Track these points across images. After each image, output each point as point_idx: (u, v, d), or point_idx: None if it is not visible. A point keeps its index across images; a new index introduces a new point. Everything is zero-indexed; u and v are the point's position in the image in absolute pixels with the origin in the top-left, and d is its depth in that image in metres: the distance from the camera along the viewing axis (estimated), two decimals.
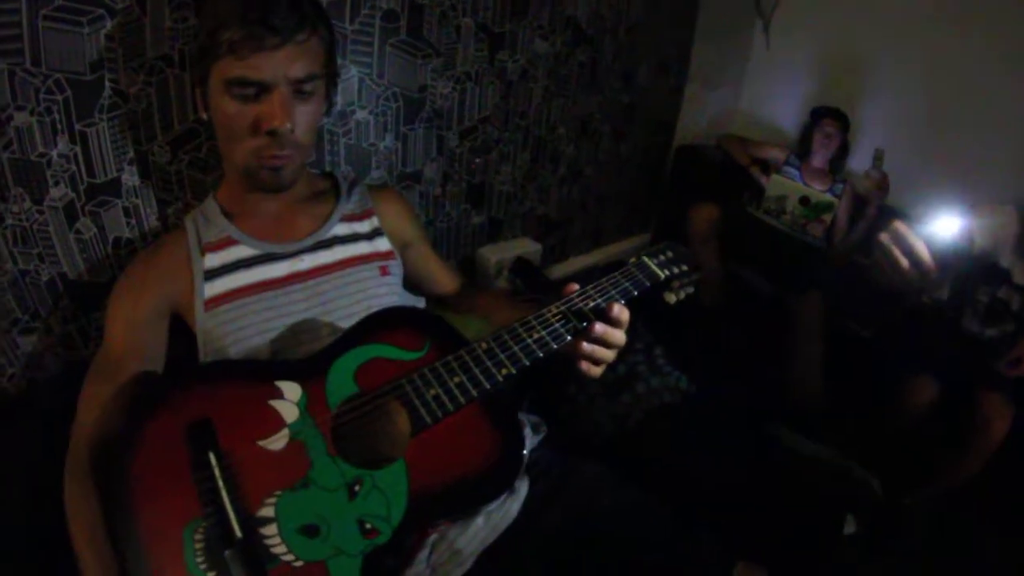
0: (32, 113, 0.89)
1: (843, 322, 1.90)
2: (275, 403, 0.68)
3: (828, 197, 1.99)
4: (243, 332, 0.82)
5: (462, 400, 0.68)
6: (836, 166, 2.11)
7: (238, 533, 0.59)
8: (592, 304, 0.75)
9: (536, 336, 0.71)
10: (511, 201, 1.82)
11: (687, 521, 0.82)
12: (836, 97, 2.14)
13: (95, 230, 1.01)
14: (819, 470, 1.41)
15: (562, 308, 0.74)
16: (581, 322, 0.73)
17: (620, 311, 0.72)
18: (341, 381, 0.71)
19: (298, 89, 0.79)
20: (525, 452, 0.73)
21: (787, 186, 2.04)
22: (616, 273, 0.80)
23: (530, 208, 1.91)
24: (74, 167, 0.96)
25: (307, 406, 0.68)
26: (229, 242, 0.88)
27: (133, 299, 0.84)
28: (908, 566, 1.41)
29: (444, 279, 1.09)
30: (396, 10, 1.29)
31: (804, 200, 2.00)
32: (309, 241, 0.91)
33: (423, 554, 0.75)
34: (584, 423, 1.33)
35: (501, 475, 0.69)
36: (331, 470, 0.65)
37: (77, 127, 0.94)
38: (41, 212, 0.95)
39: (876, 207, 1.94)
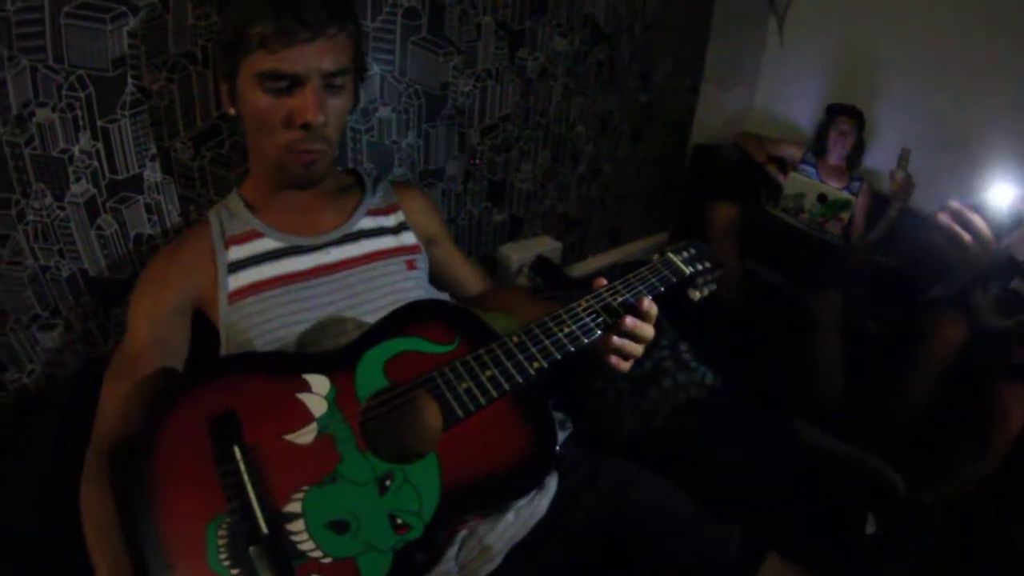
0: (54, 110, 0.87)
1: (861, 320, 1.84)
2: (303, 396, 0.65)
3: (846, 195, 1.92)
4: (268, 325, 0.80)
5: (494, 394, 0.66)
6: (852, 163, 2.04)
7: (264, 529, 0.57)
8: (620, 299, 0.73)
9: (567, 330, 0.70)
10: (531, 199, 1.78)
11: (715, 516, 0.80)
12: (851, 94, 2.08)
13: (116, 226, 0.99)
14: (840, 466, 1.36)
15: (591, 303, 0.72)
16: (611, 317, 0.71)
17: (650, 306, 0.71)
18: (371, 374, 0.68)
19: (329, 83, 0.77)
20: (558, 445, 0.71)
21: (805, 184, 1.98)
22: (643, 268, 0.78)
23: (550, 206, 1.86)
24: (96, 163, 0.94)
25: (336, 399, 0.66)
26: (254, 235, 0.86)
27: (155, 293, 0.82)
28: (929, 565, 1.35)
29: (470, 278, 1.06)
30: (417, 8, 1.26)
31: (822, 198, 1.94)
32: (336, 234, 0.89)
33: (452, 551, 0.73)
34: (611, 419, 1.29)
35: (534, 469, 0.67)
36: (361, 464, 0.62)
37: (99, 123, 0.92)
38: (62, 208, 0.92)
39: (898, 208, 1.87)
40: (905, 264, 1.85)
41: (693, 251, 0.84)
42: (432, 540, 0.62)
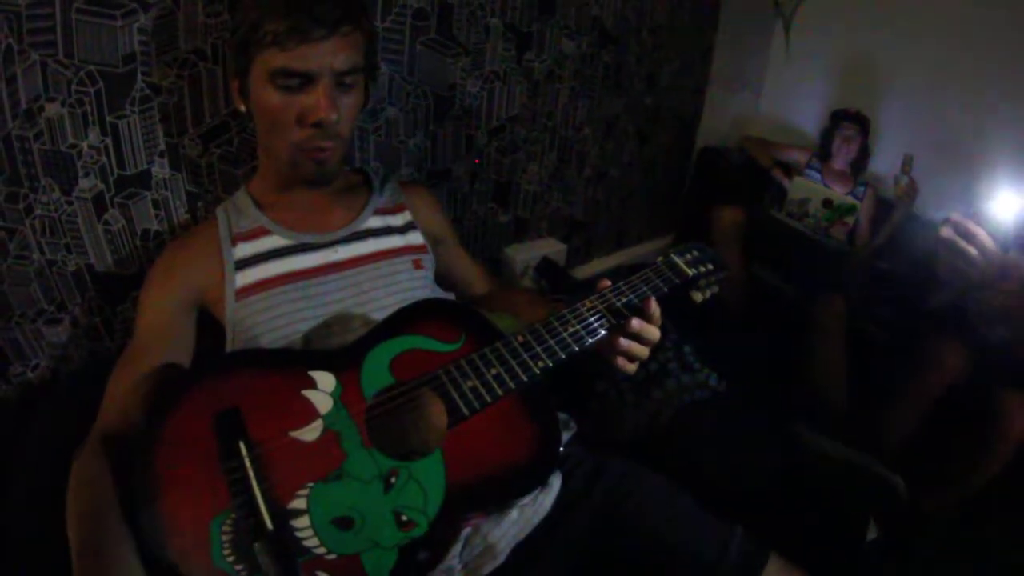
0: (64, 104, 0.86)
1: (864, 325, 1.82)
2: (308, 393, 0.65)
3: (850, 200, 1.91)
4: (275, 322, 0.79)
5: (499, 392, 0.65)
6: (857, 168, 2.02)
7: (268, 525, 0.56)
8: (625, 300, 0.73)
9: (571, 330, 0.69)
10: (537, 201, 1.77)
11: (717, 516, 0.79)
12: (856, 99, 2.05)
13: (123, 222, 0.98)
14: (842, 470, 1.35)
15: (596, 303, 0.72)
16: (616, 318, 0.71)
17: (655, 308, 0.71)
18: (377, 371, 0.68)
19: (341, 81, 0.77)
20: (562, 444, 0.70)
21: (810, 188, 1.96)
22: (647, 270, 0.78)
23: (556, 208, 1.85)
24: (104, 159, 0.93)
25: (341, 396, 0.65)
26: (262, 232, 0.85)
27: (161, 287, 0.82)
28: (930, 572, 1.33)
29: (475, 278, 1.06)
30: (426, 9, 1.25)
31: (827, 202, 1.92)
32: (343, 232, 0.88)
33: (456, 548, 0.72)
34: (615, 420, 1.28)
35: (539, 467, 0.66)
36: (366, 462, 0.62)
37: (108, 119, 0.91)
38: (70, 203, 0.91)
39: (902, 213, 1.85)
40: (909, 269, 1.84)
41: (696, 253, 0.84)
42: (436, 537, 0.62)
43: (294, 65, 0.73)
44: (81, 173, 0.91)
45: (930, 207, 1.89)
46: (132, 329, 0.82)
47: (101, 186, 0.94)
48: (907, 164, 1.82)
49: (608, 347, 0.71)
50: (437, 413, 0.65)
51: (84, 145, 0.90)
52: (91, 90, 0.88)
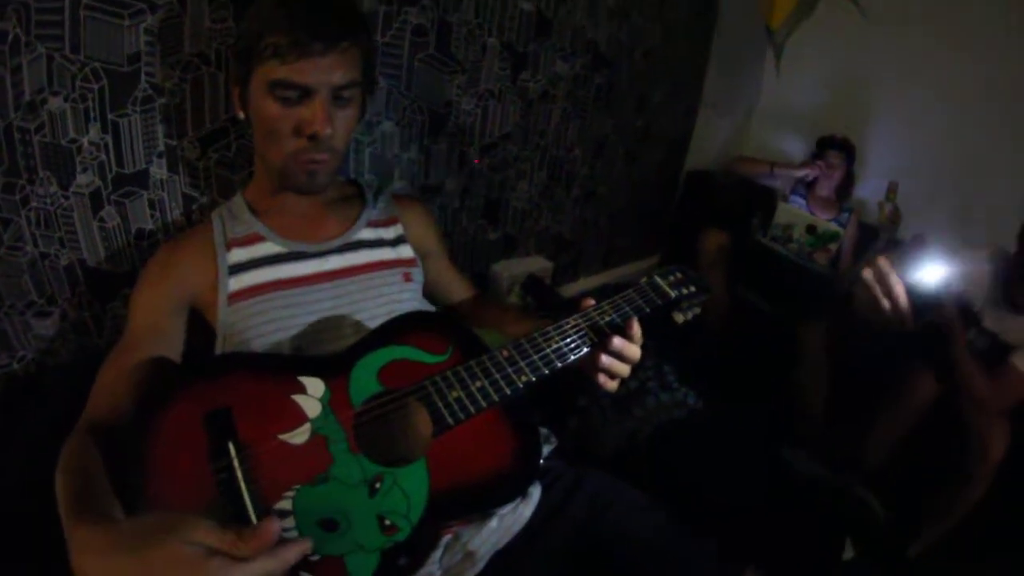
0: (67, 99, 0.87)
1: (844, 350, 1.85)
2: (298, 398, 0.65)
3: (834, 227, 1.95)
4: (266, 327, 0.80)
5: (483, 404, 0.66)
6: (842, 195, 2.07)
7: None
8: (608, 319, 0.74)
9: (555, 346, 0.71)
10: (526, 218, 1.79)
11: (692, 532, 0.80)
12: (843, 126, 2.11)
13: (119, 220, 0.98)
14: (820, 489, 1.36)
15: (579, 321, 0.73)
16: (598, 336, 0.72)
17: (637, 328, 0.72)
18: (365, 379, 0.69)
19: (338, 95, 0.78)
20: (542, 457, 0.71)
21: (794, 214, 2.01)
22: (630, 290, 0.80)
23: (544, 226, 1.87)
24: (103, 156, 0.93)
25: (330, 402, 0.66)
26: (256, 238, 0.86)
27: (154, 285, 0.82)
28: None
29: (459, 290, 1.08)
30: (426, 25, 1.28)
31: (811, 229, 1.97)
32: (336, 242, 0.89)
33: (436, 555, 0.72)
34: (595, 436, 1.30)
35: (518, 478, 0.67)
36: (353, 466, 0.62)
37: (110, 116, 0.91)
38: (66, 197, 0.91)
39: (885, 240, 1.90)
40: (861, 308, 1.88)
41: (679, 275, 0.85)
42: (417, 542, 0.62)
43: (293, 78, 0.74)
44: (79, 168, 0.91)
45: (914, 233, 1.94)
46: (123, 325, 0.81)
47: (99, 183, 0.94)
48: (892, 191, 1.87)
49: (590, 364, 0.72)
50: (423, 422, 0.66)
51: (84, 141, 0.90)
52: (95, 87, 0.88)
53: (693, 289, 0.84)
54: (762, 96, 2.44)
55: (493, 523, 0.75)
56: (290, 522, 0.57)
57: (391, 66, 1.26)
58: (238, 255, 0.84)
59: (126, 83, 0.91)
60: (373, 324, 0.77)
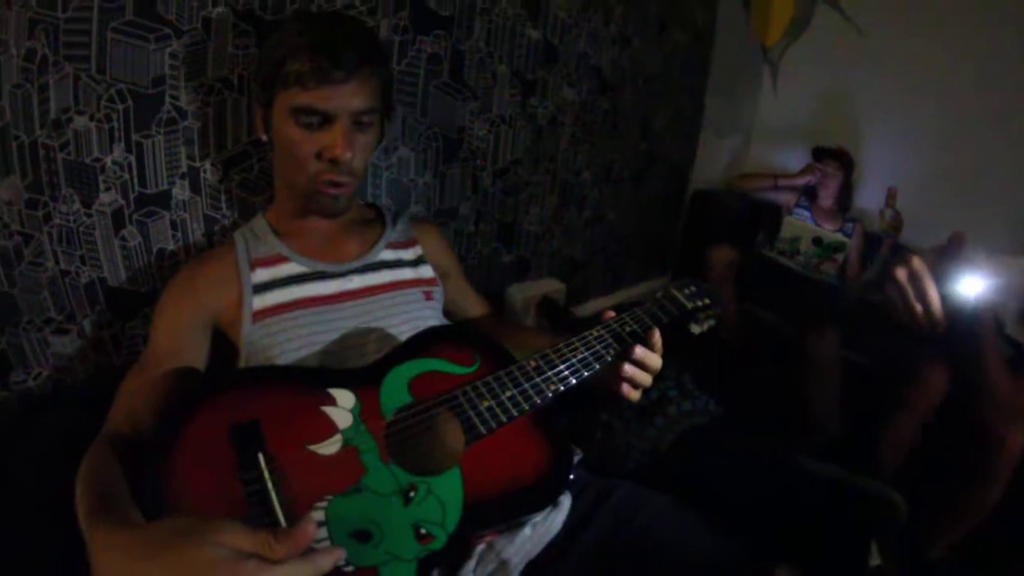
0: (92, 119, 0.86)
1: (857, 359, 1.80)
2: (328, 409, 0.64)
3: (840, 237, 1.93)
4: (290, 344, 0.78)
5: (515, 412, 0.66)
6: (843, 205, 2.06)
7: None
8: (629, 329, 0.74)
9: (581, 356, 0.71)
10: (539, 241, 1.77)
11: (723, 533, 0.77)
12: (841, 137, 2.10)
13: (140, 239, 0.95)
14: (840, 490, 1.29)
15: (603, 332, 0.74)
16: (621, 345, 0.72)
17: (658, 337, 0.73)
18: (396, 390, 0.68)
19: (358, 120, 0.79)
20: (575, 463, 0.70)
21: (799, 227, 1.99)
22: (648, 303, 0.80)
23: (556, 248, 1.85)
24: (127, 175, 0.91)
25: (360, 413, 0.65)
26: (280, 259, 0.86)
27: (177, 304, 0.81)
28: None
29: (478, 309, 1.08)
30: (440, 54, 1.30)
31: (817, 240, 1.94)
32: (358, 263, 0.89)
33: (470, 564, 0.70)
34: (619, 447, 1.27)
35: (553, 483, 0.67)
36: (385, 476, 0.61)
37: (134, 137, 0.90)
38: (89, 215, 0.89)
39: (889, 245, 1.87)
40: (889, 305, 1.84)
41: (694, 288, 0.85)
42: (454, 550, 0.60)
43: (315, 104, 0.75)
44: (103, 187, 0.89)
45: (917, 237, 1.91)
46: (140, 345, 0.80)
47: (121, 202, 0.92)
48: (891, 197, 1.86)
49: (613, 375, 0.72)
50: (454, 432, 0.66)
51: (108, 160, 0.89)
52: (120, 107, 0.88)
53: (707, 301, 0.84)
54: (760, 114, 2.46)
55: (527, 531, 0.73)
56: (323, 533, 0.56)
57: (407, 93, 1.27)
58: (262, 275, 0.83)
59: (150, 105, 0.91)
60: (396, 342, 0.77)
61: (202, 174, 1.00)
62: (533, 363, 0.70)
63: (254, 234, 0.88)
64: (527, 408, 0.66)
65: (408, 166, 1.33)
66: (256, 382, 0.66)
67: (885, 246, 1.90)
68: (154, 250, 0.97)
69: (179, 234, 1.00)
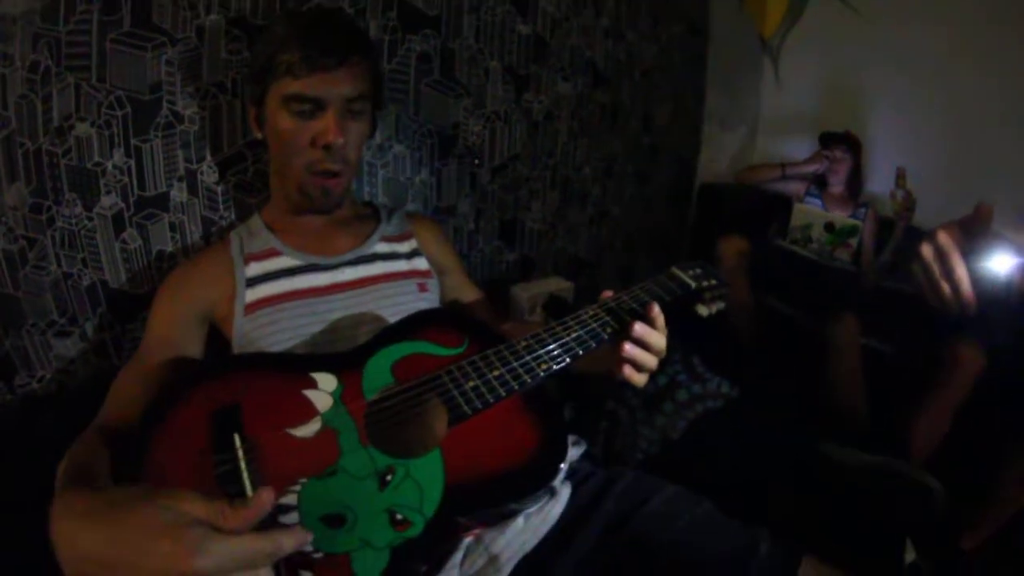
0: (93, 125, 0.91)
1: (877, 344, 1.77)
2: (308, 392, 0.65)
3: (852, 221, 1.91)
4: (281, 335, 0.80)
5: (502, 392, 0.64)
6: (854, 190, 2.04)
7: None
8: (627, 307, 0.71)
9: (575, 334, 0.68)
10: (542, 239, 1.79)
11: (741, 520, 0.74)
12: (847, 121, 2.09)
13: (140, 241, 1.00)
14: (875, 477, 1.24)
15: (598, 310, 0.72)
16: (618, 322, 0.69)
17: (658, 313, 0.68)
18: (378, 373, 0.68)
19: (349, 108, 0.82)
20: (569, 448, 0.66)
21: (811, 214, 1.98)
22: (648, 281, 0.78)
23: (561, 247, 1.87)
24: (126, 179, 0.97)
25: (341, 396, 0.65)
26: (272, 253, 0.89)
27: (172, 298, 0.84)
28: None
29: (480, 309, 1.07)
30: (430, 52, 1.34)
31: (829, 226, 1.93)
32: (350, 256, 0.91)
33: (456, 558, 0.68)
34: (626, 439, 1.24)
35: (542, 468, 0.62)
36: (363, 458, 0.60)
37: (133, 142, 0.96)
38: (90, 218, 0.94)
39: (902, 228, 1.86)
40: (916, 285, 1.82)
41: (699, 270, 0.83)
42: (431, 541, 0.58)
43: (306, 91, 0.79)
44: (103, 191, 0.95)
45: (932, 221, 1.89)
46: (141, 339, 0.82)
47: (121, 205, 0.97)
48: (901, 177, 1.84)
49: (614, 357, 0.68)
50: (437, 413, 0.64)
51: (109, 164, 0.94)
52: (119, 114, 0.93)
53: (714, 282, 0.81)
54: (764, 105, 2.45)
55: (519, 523, 0.71)
56: (294, 517, 0.55)
57: (399, 91, 1.32)
58: (255, 268, 0.87)
59: (148, 110, 0.96)
60: None
61: (199, 176, 1.05)
62: (523, 343, 0.68)
63: (249, 231, 0.92)
64: (516, 388, 0.64)
65: (404, 164, 1.37)
66: (242, 368, 0.68)
67: (899, 229, 1.88)
68: (153, 252, 1.02)
69: (177, 236, 1.05)
